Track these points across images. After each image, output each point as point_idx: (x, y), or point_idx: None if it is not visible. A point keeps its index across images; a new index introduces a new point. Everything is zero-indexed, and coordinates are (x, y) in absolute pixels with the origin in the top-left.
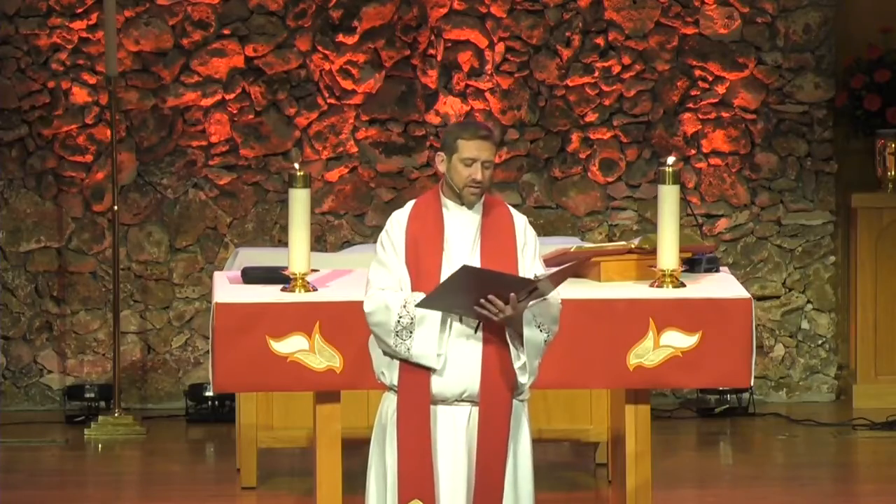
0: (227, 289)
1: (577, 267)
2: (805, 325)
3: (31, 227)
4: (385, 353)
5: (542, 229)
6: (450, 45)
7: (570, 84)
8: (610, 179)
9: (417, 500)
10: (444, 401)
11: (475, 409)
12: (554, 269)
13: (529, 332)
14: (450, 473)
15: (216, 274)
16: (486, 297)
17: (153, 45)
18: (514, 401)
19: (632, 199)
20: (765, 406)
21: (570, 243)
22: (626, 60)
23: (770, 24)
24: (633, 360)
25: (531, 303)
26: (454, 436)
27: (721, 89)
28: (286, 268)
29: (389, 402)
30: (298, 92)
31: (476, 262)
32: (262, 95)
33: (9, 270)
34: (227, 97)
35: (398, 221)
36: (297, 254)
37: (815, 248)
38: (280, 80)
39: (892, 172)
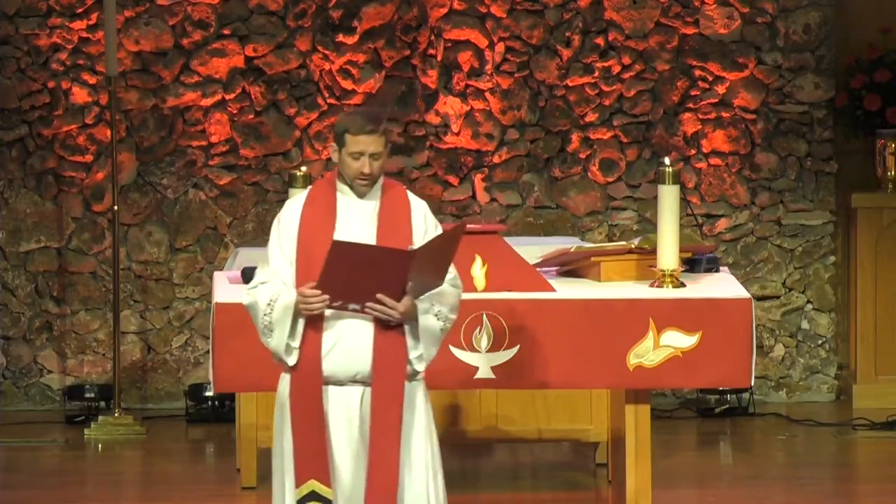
0: (227, 289)
1: (450, 236)
2: (805, 325)
3: (31, 227)
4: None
5: (542, 229)
6: (450, 45)
7: (570, 84)
8: (610, 179)
9: (313, 479)
10: (338, 382)
11: (367, 391)
12: (425, 241)
13: (425, 322)
14: (345, 454)
15: (216, 274)
16: (374, 297)
17: (153, 45)
18: (407, 382)
19: (632, 199)
20: (765, 406)
21: (570, 243)
22: (626, 60)
23: (770, 24)
24: (633, 360)
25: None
26: (347, 416)
27: (721, 89)
28: None
29: (284, 384)
30: (298, 92)
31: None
32: (262, 95)
33: (9, 270)
34: (227, 97)
35: (291, 210)
36: None
37: (815, 248)
38: (280, 80)
39: (892, 172)
